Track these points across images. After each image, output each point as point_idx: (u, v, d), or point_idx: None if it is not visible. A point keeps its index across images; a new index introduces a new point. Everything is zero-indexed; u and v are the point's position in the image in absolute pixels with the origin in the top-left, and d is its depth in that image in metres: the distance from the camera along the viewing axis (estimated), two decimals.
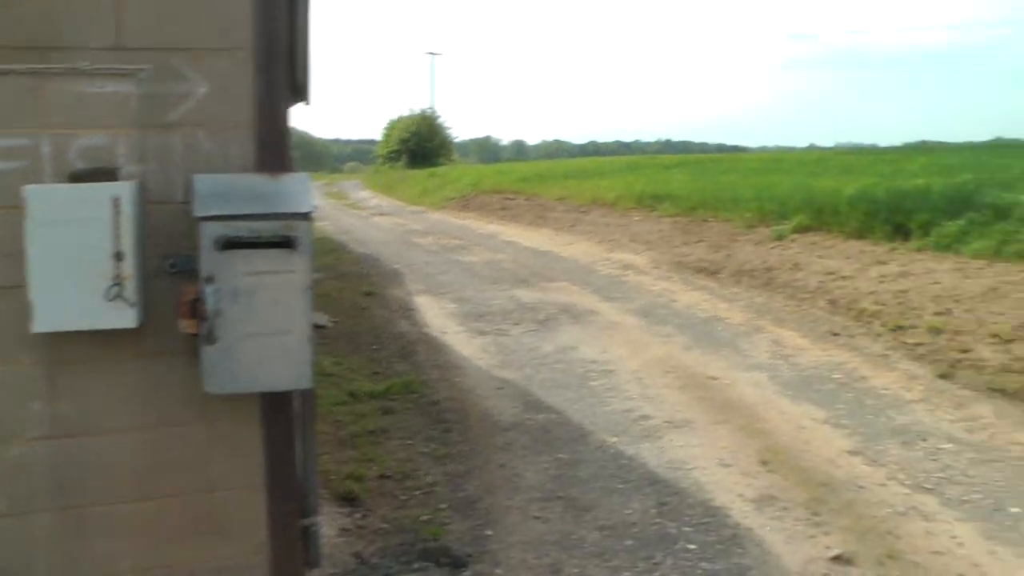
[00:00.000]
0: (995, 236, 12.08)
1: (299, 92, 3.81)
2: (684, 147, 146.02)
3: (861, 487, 5.63)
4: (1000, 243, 11.86)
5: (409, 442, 6.43)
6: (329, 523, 4.94)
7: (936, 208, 13.56)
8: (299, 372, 3.11)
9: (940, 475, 5.83)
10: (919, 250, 12.56)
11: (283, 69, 3.32)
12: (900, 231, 13.48)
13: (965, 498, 5.49)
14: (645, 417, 6.95)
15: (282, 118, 3.35)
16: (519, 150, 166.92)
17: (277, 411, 3.32)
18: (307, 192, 3.15)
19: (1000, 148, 35.56)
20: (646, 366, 8.43)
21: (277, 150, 3.28)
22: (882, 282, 11.19)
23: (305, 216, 3.06)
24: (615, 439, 6.47)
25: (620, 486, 5.63)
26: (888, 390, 7.68)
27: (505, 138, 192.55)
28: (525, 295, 12.10)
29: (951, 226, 12.79)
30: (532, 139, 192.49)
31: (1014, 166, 19.67)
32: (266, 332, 3.05)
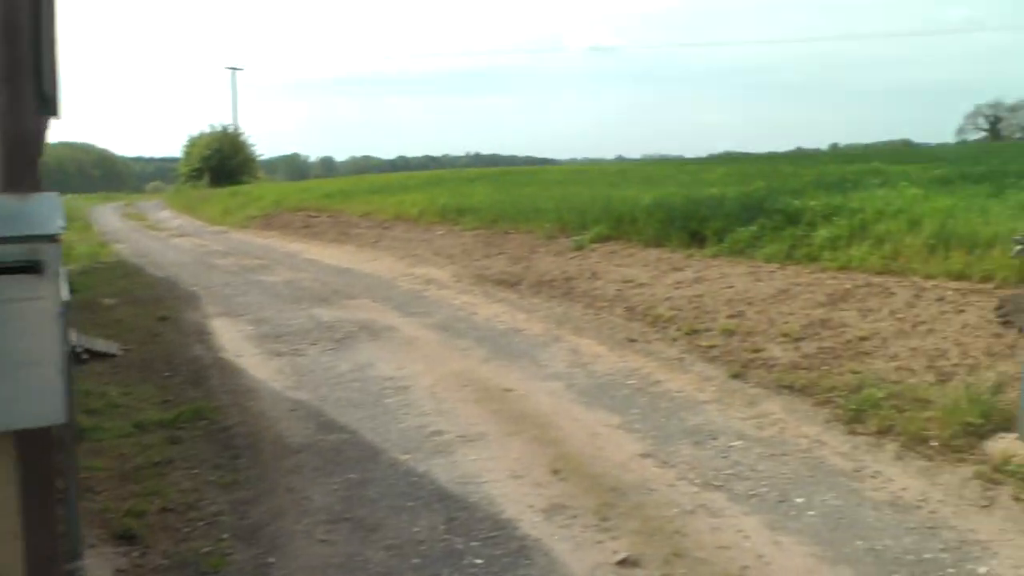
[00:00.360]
0: (786, 240, 12.57)
1: (48, 105, 3.61)
2: (493, 160, 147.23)
3: (651, 489, 5.70)
4: (790, 247, 12.35)
5: (195, 471, 6.16)
6: (103, 565, 4.70)
7: (730, 215, 14.02)
8: (52, 406, 2.93)
9: (729, 472, 5.98)
10: (714, 256, 12.94)
11: (29, 81, 3.14)
12: (696, 238, 13.86)
13: (752, 492, 5.64)
14: (438, 432, 6.87)
15: (29, 133, 3.16)
16: (328, 167, 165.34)
17: (33, 449, 3.10)
18: (56, 213, 2.96)
19: (799, 158, 37.15)
20: (442, 381, 8.37)
21: (25, 167, 3.09)
22: (678, 288, 11.47)
23: (52, 238, 2.89)
24: (407, 456, 6.37)
25: (409, 504, 5.54)
26: (682, 392, 7.85)
27: (314, 155, 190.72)
28: (325, 314, 11.88)
29: (744, 232, 13.23)
30: (341, 155, 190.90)
31: (806, 174, 20.56)
32: (13, 365, 2.86)
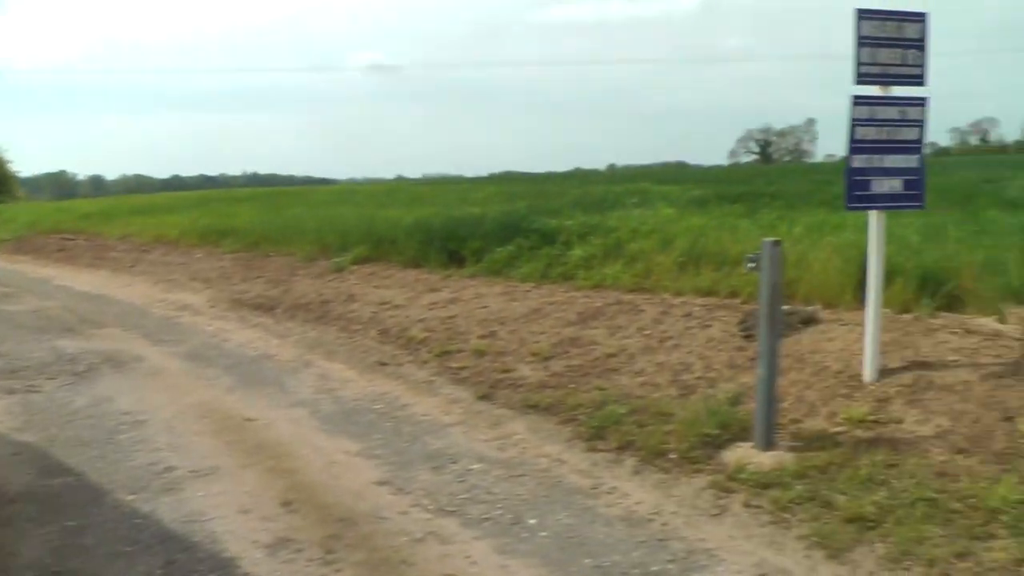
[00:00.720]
0: (542, 259, 12.80)
1: None
2: (272, 180, 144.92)
3: (382, 518, 5.59)
4: (546, 266, 12.58)
5: None
6: None
7: (488, 235, 14.18)
8: None
9: (465, 496, 5.93)
10: (472, 276, 13.06)
11: None
12: (455, 258, 13.97)
13: (486, 516, 5.60)
14: (170, 468, 6.54)
15: None
16: (97, 185, 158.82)
17: None
18: None
19: (574, 177, 38.09)
20: (182, 413, 8.01)
21: None
22: (432, 309, 11.50)
23: None
24: (133, 497, 6.01)
25: (128, 549, 5.22)
26: (428, 416, 7.79)
27: (83, 173, 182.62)
28: (69, 345, 11.22)
29: (501, 252, 13.41)
30: (112, 174, 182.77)
31: (570, 193, 21.04)
32: None
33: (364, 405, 8.17)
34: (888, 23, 7.14)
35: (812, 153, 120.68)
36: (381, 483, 6.22)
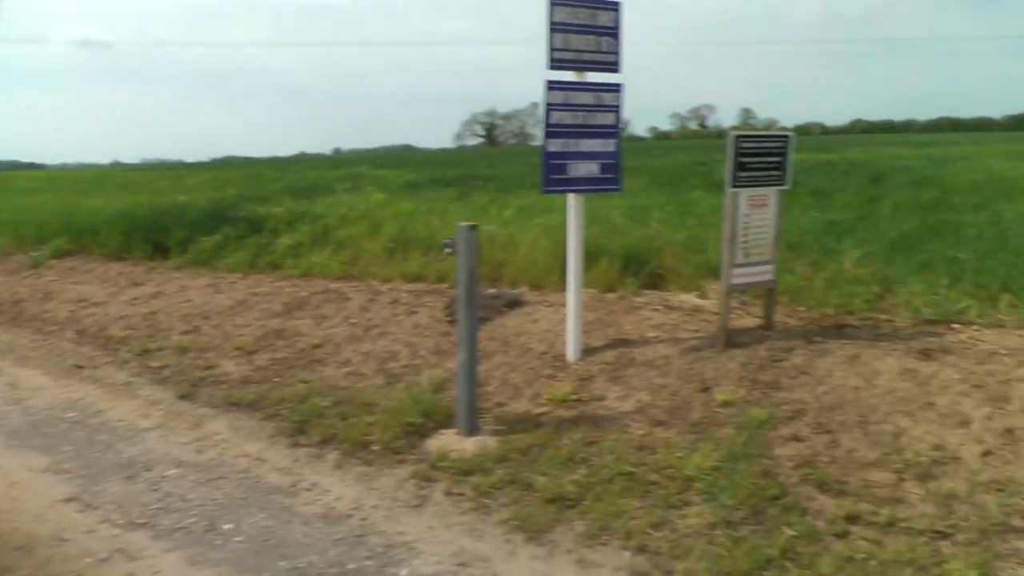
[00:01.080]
0: (249, 249, 12.61)
1: None
2: None
3: (65, 539, 5.27)
4: (254, 255, 12.40)
5: None
6: None
7: (195, 224, 13.85)
8: None
9: (158, 506, 5.72)
10: (178, 268, 12.72)
11: None
12: (160, 249, 13.55)
13: (179, 525, 5.42)
14: None
15: None
16: None
17: None
18: None
19: (298, 162, 37.60)
20: None
21: None
22: (134, 304, 11.11)
23: None
24: None
25: None
26: (124, 421, 7.48)
27: None
28: None
29: (208, 241, 13.12)
30: None
31: (285, 178, 20.74)
32: None
33: (56, 414, 7.71)
34: (581, 10, 7.37)
35: (536, 136, 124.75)
36: (68, 500, 5.88)
